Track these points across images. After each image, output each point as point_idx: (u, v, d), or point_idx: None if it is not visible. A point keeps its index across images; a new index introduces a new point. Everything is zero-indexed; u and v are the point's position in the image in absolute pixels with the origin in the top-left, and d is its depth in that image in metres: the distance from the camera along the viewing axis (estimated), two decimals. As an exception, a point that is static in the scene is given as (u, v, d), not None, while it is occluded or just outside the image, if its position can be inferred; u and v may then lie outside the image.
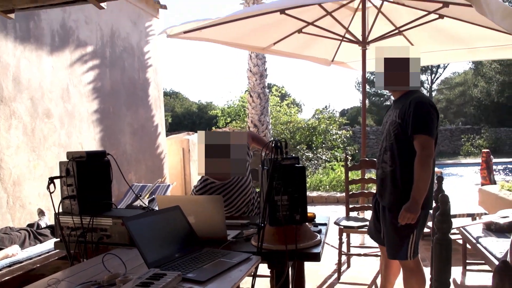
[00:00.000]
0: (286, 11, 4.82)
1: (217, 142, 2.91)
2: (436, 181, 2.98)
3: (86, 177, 2.61)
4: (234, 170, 3.02)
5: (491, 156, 7.61)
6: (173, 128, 33.29)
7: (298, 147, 13.92)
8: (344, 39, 5.61)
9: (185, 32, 4.87)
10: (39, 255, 4.14)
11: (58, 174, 2.65)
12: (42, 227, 4.81)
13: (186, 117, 40.32)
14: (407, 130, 2.96)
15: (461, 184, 12.62)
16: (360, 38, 5.36)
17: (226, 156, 2.89)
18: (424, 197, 2.93)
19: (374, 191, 4.05)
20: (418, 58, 3.05)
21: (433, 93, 40.17)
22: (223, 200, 2.54)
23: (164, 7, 8.93)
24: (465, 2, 4.09)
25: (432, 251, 2.27)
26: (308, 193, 9.56)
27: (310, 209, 2.57)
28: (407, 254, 3.05)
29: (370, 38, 5.38)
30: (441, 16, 4.87)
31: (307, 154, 13.55)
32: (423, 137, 2.89)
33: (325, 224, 2.94)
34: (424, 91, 39.66)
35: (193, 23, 4.73)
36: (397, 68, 3.02)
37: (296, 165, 2.36)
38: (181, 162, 9.49)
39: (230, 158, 2.89)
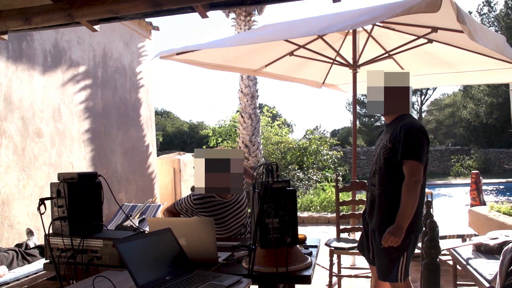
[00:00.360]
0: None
1: (218, 156, 2.92)
2: (424, 206, 2.99)
3: (77, 198, 2.61)
4: (233, 185, 3.01)
5: (481, 177, 7.67)
6: (164, 147, 33.27)
7: (289, 167, 13.95)
8: (335, 62, 5.67)
9: (177, 54, 4.90)
10: (27, 276, 4.10)
11: (48, 194, 2.65)
12: (31, 247, 4.76)
13: (177, 137, 40.32)
14: (397, 155, 2.98)
15: (451, 205, 12.67)
16: (351, 61, 5.43)
17: (226, 170, 2.89)
18: (411, 221, 2.90)
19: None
20: (408, 87, 3.10)
21: (423, 114, 40.55)
22: (214, 222, 2.54)
23: (157, 28, 9.00)
24: (453, 27, 4.20)
25: (421, 275, 2.29)
26: (299, 214, 9.55)
27: (301, 230, 2.58)
28: (397, 276, 3.01)
29: (360, 62, 5.45)
30: (430, 41, 4.95)
31: (298, 174, 13.57)
32: (412, 163, 2.91)
33: (315, 246, 2.94)
34: (414, 112, 40.02)
35: (186, 49, 4.75)
36: (389, 97, 3.07)
37: (287, 188, 2.38)
38: (172, 182, 9.46)
39: (230, 173, 2.90)
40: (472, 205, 7.37)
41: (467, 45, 4.93)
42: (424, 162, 2.96)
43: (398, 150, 2.96)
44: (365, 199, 3.49)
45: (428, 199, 3.29)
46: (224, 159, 2.90)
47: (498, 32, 25.56)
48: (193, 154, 10.54)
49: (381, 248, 3.04)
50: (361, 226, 3.68)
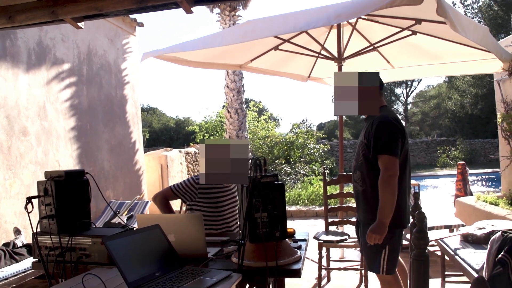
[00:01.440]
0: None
1: (218, 142, 2.92)
2: (412, 197, 3.02)
3: (65, 196, 2.60)
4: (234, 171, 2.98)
5: (467, 168, 7.75)
6: (150, 144, 33.12)
7: (276, 161, 13.97)
8: (320, 55, 5.69)
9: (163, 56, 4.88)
10: (15, 275, 4.08)
11: (35, 193, 2.63)
12: (18, 246, 4.73)
13: (164, 133, 40.15)
14: (371, 150, 2.99)
15: (438, 196, 12.79)
16: (336, 55, 5.45)
17: (227, 156, 2.88)
18: (394, 216, 2.93)
19: (352, 205, 4.10)
20: (375, 87, 3.08)
21: (409, 106, 40.78)
22: (202, 218, 2.54)
23: (141, 24, 8.95)
24: (437, 19, 4.23)
25: (411, 266, 2.32)
26: (287, 208, 9.58)
27: (290, 224, 2.59)
28: (379, 268, 3.06)
29: (345, 55, 5.47)
30: (414, 33, 4.98)
31: (285, 168, 13.60)
32: (386, 157, 2.90)
33: (304, 240, 2.96)
34: (399, 104, 40.25)
35: (172, 50, 4.73)
36: (349, 97, 3.04)
37: (275, 182, 2.39)
38: (159, 178, 9.44)
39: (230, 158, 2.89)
40: (458, 196, 7.44)
41: (451, 36, 4.97)
42: (399, 155, 2.94)
43: (371, 145, 2.97)
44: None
45: (416, 191, 3.32)
46: (224, 144, 2.90)
47: (481, 23, 25.78)
48: (179, 150, 10.52)
49: (365, 241, 3.09)
50: (349, 219, 3.76)
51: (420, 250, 2.14)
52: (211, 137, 16.09)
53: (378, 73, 3.15)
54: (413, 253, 2.18)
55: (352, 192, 3.71)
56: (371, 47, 5.56)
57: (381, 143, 2.92)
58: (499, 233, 3.02)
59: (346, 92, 3.05)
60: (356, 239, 3.71)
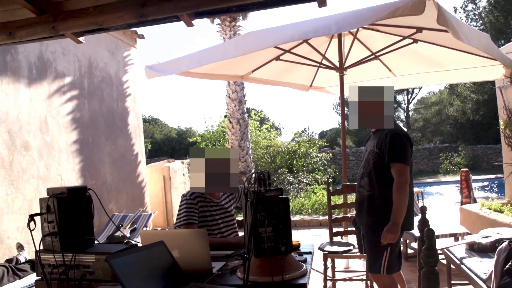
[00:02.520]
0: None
1: (218, 156, 2.92)
2: (420, 211, 3.13)
3: (67, 213, 2.57)
4: (233, 184, 2.99)
5: (470, 175, 7.71)
6: (152, 154, 33.14)
7: (279, 171, 13.93)
8: (321, 65, 5.69)
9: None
10: (19, 292, 4.05)
11: (37, 207, 2.61)
12: (21, 262, 4.70)
13: (166, 143, 40.20)
14: (384, 159, 3.23)
15: (442, 203, 12.74)
16: (337, 64, 5.44)
17: (227, 170, 2.90)
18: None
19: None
20: (391, 101, 3.31)
21: (410, 113, 40.77)
22: (207, 233, 2.52)
23: (142, 36, 8.98)
24: (438, 27, 4.23)
25: (419, 282, 2.29)
26: (291, 217, 9.54)
27: (293, 234, 2.56)
28: (380, 268, 3.28)
29: (347, 64, 5.47)
30: (415, 41, 4.98)
31: (288, 177, 13.56)
32: (400, 165, 3.19)
33: (310, 253, 2.93)
34: (401, 111, 40.26)
35: (177, 68, 4.73)
36: (371, 111, 3.26)
37: (280, 196, 2.37)
38: (162, 190, 9.43)
39: (230, 173, 2.90)
40: (464, 203, 7.40)
41: (452, 43, 4.97)
42: (409, 164, 3.23)
43: (385, 154, 3.22)
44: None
45: (424, 205, 3.35)
46: (224, 159, 2.91)
47: (482, 28, 25.83)
48: (182, 161, 10.50)
49: (368, 242, 3.37)
50: (354, 229, 3.98)
51: (430, 268, 2.12)
52: (213, 147, 16.07)
53: (393, 87, 3.43)
54: (422, 270, 2.15)
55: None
56: (373, 56, 5.56)
57: (395, 153, 3.20)
58: (506, 242, 3.00)
59: (372, 106, 3.26)
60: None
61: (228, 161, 2.91)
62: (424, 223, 2.89)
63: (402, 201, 3.15)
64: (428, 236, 2.13)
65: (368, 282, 4.59)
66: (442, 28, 3.88)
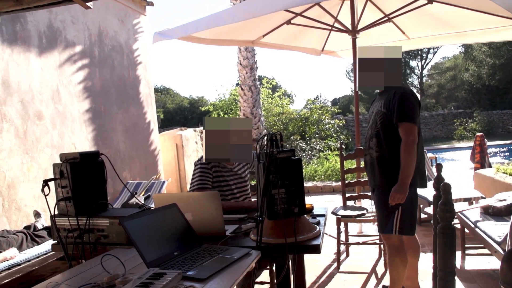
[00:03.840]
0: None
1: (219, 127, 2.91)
2: (435, 169, 3.09)
3: (81, 178, 2.59)
4: (236, 156, 2.97)
5: (485, 140, 7.63)
6: (165, 124, 33.25)
7: (291, 138, 13.91)
8: (333, 28, 5.58)
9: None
10: (37, 257, 4.13)
11: (52, 176, 2.62)
12: (39, 228, 4.78)
13: (178, 113, 40.27)
14: (392, 119, 3.18)
15: (456, 169, 12.66)
16: (350, 27, 5.34)
17: (227, 141, 2.88)
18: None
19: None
20: (400, 58, 3.29)
21: (424, 79, 40.24)
22: (219, 196, 2.52)
23: (151, 4, 8.87)
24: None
25: (435, 240, 2.28)
26: (304, 184, 9.56)
27: (307, 200, 2.56)
28: (392, 228, 3.25)
29: (359, 27, 5.36)
30: (430, 1, 4.85)
31: (300, 144, 13.55)
32: (407, 124, 3.12)
33: (323, 215, 2.93)
34: (415, 77, 39.73)
35: (184, 31, 4.65)
36: (375, 68, 3.26)
37: (292, 157, 2.35)
38: (175, 158, 9.46)
39: (231, 144, 2.88)
40: (476, 168, 7.35)
41: (468, 3, 4.84)
42: (417, 123, 3.17)
43: (393, 114, 3.16)
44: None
45: (439, 162, 3.34)
46: (224, 130, 2.89)
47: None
48: (194, 129, 10.52)
49: (379, 203, 3.34)
50: (367, 193, 3.85)
51: (446, 223, 2.09)
52: (226, 116, 16.05)
53: (400, 46, 3.33)
54: (438, 226, 2.13)
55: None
56: (386, 18, 5.43)
57: (403, 112, 3.13)
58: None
59: (371, 63, 3.26)
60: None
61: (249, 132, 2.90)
62: (439, 179, 2.84)
63: (409, 161, 3.10)
64: (444, 190, 2.10)
65: (382, 245, 4.60)
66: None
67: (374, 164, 3.35)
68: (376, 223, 3.59)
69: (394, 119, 3.16)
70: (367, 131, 3.47)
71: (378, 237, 4.77)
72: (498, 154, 15.45)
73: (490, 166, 7.30)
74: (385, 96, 3.30)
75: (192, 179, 3.46)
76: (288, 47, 6.65)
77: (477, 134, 7.77)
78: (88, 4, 3.20)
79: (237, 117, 13.77)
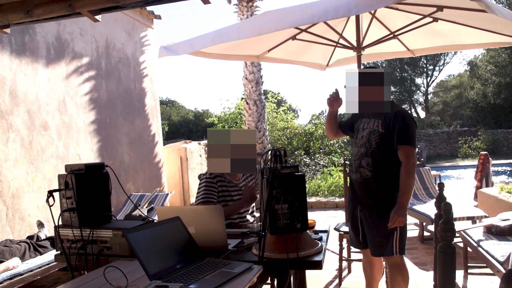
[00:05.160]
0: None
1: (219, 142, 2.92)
2: (437, 188, 3.08)
3: (85, 189, 2.60)
4: (235, 169, 2.97)
5: (490, 158, 7.61)
6: (170, 136, 33.32)
7: (295, 152, 13.91)
8: (338, 44, 5.61)
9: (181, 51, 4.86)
10: (40, 267, 4.14)
11: (56, 186, 2.64)
12: (42, 239, 4.80)
13: (183, 125, 40.35)
14: (389, 140, 3.19)
15: (460, 187, 12.62)
16: (355, 44, 5.37)
17: (226, 156, 2.89)
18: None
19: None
20: (389, 87, 3.27)
21: (429, 96, 40.26)
22: (223, 210, 2.53)
23: (159, 17, 8.96)
24: (459, 5, 4.14)
25: (436, 258, 2.28)
26: (307, 199, 9.55)
27: (310, 216, 2.57)
28: (393, 250, 3.21)
29: (364, 43, 5.38)
30: (436, 19, 4.88)
31: (304, 159, 13.54)
32: (408, 148, 3.14)
33: (325, 231, 2.93)
34: (420, 94, 39.78)
35: (191, 47, 4.68)
36: (370, 97, 3.22)
37: (296, 173, 2.36)
38: (179, 171, 9.48)
39: (230, 158, 2.89)
40: (477, 187, 7.34)
41: (473, 22, 4.87)
42: (416, 146, 3.21)
43: (393, 135, 3.16)
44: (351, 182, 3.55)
45: (441, 181, 3.35)
46: (224, 144, 2.89)
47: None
48: (198, 142, 10.54)
49: (375, 226, 3.25)
50: None
51: (447, 242, 2.10)
52: (230, 128, 16.05)
53: (391, 72, 3.34)
54: (439, 245, 2.13)
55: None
56: (391, 35, 5.46)
57: (405, 135, 3.14)
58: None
59: (372, 91, 3.22)
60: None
61: (253, 146, 2.90)
62: (441, 199, 2.85)
63: (410, 184, 3.11)
64: (445, 210, 2.11)
65: (384, 262, 4.59)
66: (463, 6, 3.81)
67: (367, 184, 3.30)
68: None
69: (395, 141, 3.16)
70: (357, 148, 3.43)
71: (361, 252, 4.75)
72: (499, 173, 15.38)
73: (492, 185, 7.28)
74: (381, 116, 3.28)
75: (198, 192, 3.48)
76: (293, 62, 6.68)
77: (481, 152, 7.75)
78: (97, 17, 3.25)
79: (241, 128, 13.80)
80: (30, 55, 5.60)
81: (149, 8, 8.56)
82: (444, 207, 2.09)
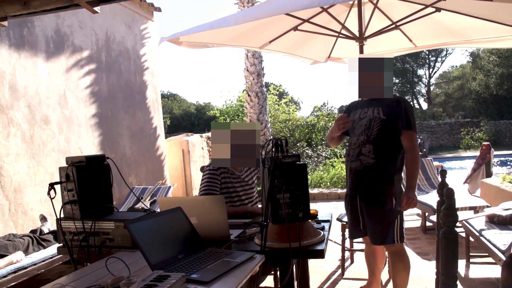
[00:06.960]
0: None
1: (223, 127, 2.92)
2: (439, 175, 3.10)
3: (86, 181, 2.60)
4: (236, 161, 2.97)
5: (492, 149, 7.58)
6: (172, 129, 33.33)
7: (298, 144, 13.90)
8: (340, 35, 5.58)
9: (181, 38, 4.84)
10: (43, 261, 4.16)
11: (58, 180, 2.64)
12: (45, 232, 4.81)
13: (185, 119, 40.35)
14: (392, 126, 3.23)
15: (462, 177, 12.58)
16: (357, 34, 5.34)
17: (227, 141, 2.89)
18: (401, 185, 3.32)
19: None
20: (391, 73, 3.25)
21: (431, 87, 40.14)
22: (224, 200, 2.52)
23: (159, 9, 8.92)
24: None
25: (438, 245, 2.27)
26: (309, 190, 9.54)
27: (312, 206, 2.56)
28: (394, 237, 3.24)
29: (367, 34, 5.35)
30: (438, 10, 4.84)
31: (307, 151, 13.53)
32: (412, 132, 3.22)
33: (328, 221, 2.93)
34: (422, 86, 39.67)
35: (189, 33, 4.67)
36: (371, 82, 3.22)
37: (297, 162, 2.35)
38: (181, 164, 9.48)
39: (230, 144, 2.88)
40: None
41: (477, 12, 4.83)
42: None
43: (397, 121, 3.21)
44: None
45: (443, 169, 3.35)
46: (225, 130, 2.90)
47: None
48: (200, 135, 10.53)
49: (377, 214, 3.27)
50: None
51: (449, 228, 2.08)
52: (232, 121, 16.06)
53: (393, 58, 3.39)
54: (441, 231, 2.12)
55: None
56: (393, 26, 5.43)
57: (409, 120, 3.20)
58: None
59: (372, 77, 3.21)
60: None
61: (254, 132, 2.89)
62: (443, 185, 2.85)
63: (417, 167, 3.22)
64: (447, 195, 2.09)
65: (386, 253, 4.58)
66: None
67: (368, 171, 3.29)
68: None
69: (400, 126, 3.20)
70: (356, 136, 3.42)
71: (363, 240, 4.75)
72: (502, 164, 15.34)
73: (490, 175, 7.27)
74: (379, 103, 3.32)
75: (201, 184, 3.48)
76: (294, 54, 6.65)
77: (483, 143, 7.73)
78: (95, 8, 3.23)
79: (243, 121, 13.78)
80: (29, 48, 5.58)
81: (148, 0, 8.54)
82: (446, 192, 2.08)
